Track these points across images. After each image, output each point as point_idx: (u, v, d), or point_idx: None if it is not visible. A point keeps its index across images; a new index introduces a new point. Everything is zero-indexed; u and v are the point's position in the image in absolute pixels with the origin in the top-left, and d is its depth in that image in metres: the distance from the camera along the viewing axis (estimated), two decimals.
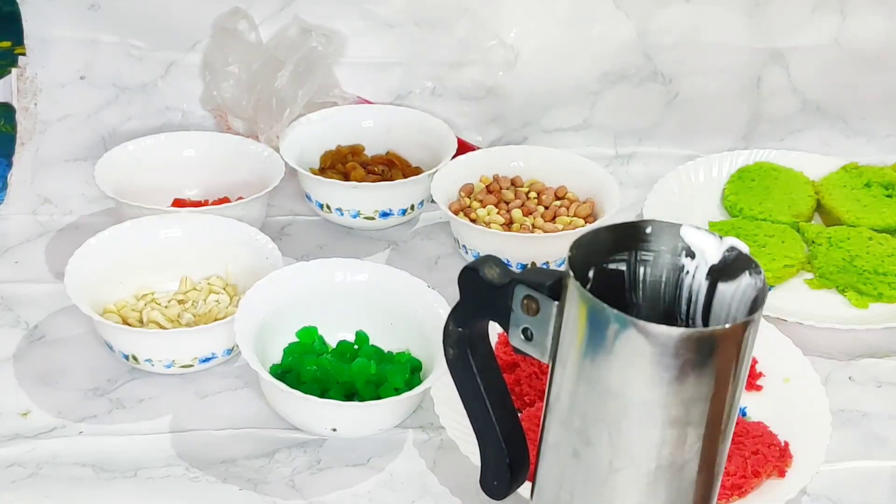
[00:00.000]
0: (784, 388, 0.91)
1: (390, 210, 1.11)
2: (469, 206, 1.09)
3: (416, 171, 1.15)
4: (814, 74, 1.29)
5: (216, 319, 0.94)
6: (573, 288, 0.56)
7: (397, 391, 0.85)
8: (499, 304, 0.60)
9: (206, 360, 0.91)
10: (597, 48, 1.27)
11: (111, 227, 0.98)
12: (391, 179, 1.14)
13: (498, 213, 1.09)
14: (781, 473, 0.82)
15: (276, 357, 0.91)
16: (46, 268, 1.06)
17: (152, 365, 0.90)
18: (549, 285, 0.58)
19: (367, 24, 1.25)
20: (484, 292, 0.61)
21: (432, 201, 1.09)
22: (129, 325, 0.93)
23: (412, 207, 1.13)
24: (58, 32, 1.20)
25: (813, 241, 1.11)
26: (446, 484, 0.83)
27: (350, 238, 1.13)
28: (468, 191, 1.12)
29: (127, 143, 1.12)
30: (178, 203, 1.11)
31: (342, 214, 1.11)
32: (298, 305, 0.92)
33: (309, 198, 1.13)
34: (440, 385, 0.87)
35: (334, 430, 0.84)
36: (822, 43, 1.28)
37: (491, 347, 0.66)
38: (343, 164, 1.16)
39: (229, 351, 0.92)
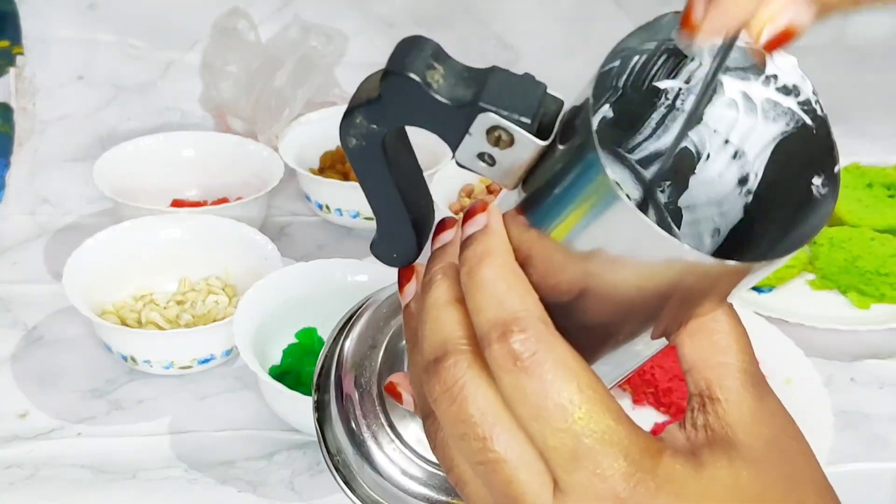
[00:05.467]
0: (785, 389, 0.91)
1: None
2: None
3: None
4: (814, 74, 1.28)
5: (215, 320, 0.94)
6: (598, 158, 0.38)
7: None
8: (445, 121, 0.44)
9: (205, 361, 0.91)
10: (597, 48, 1.27)
11: (110, 227, 0.98)
12: None
13: None
14: None
15: (276, 358, 0.90)
16: (45, 268, 1.05)
17: (151, 366, 0.90)
18: (533, 120, 0.43)
19: (367, 23, 1.24)
20: (423, 103, 0.45)
21: None
22: (128, 325, 0.93)
23: None
24: (56, 32, 1.20)
25: (814, 242, 1.11)
26: None
27: (350, 238, 1.13)
28: (468, 191, 1.11)
29: (126, 144, 1.12)
30: (178, 203, 1.10)
31: (342, 214, 1.11)
32: (298, 306, 0.92)
33: (308, 198, 1.12)
34: None
35: None
36: (823, 43, 1.27)
37: (409, 141, 0.50)
38: (343, 164, 1.15)
39: (228, 352, 0.92)
